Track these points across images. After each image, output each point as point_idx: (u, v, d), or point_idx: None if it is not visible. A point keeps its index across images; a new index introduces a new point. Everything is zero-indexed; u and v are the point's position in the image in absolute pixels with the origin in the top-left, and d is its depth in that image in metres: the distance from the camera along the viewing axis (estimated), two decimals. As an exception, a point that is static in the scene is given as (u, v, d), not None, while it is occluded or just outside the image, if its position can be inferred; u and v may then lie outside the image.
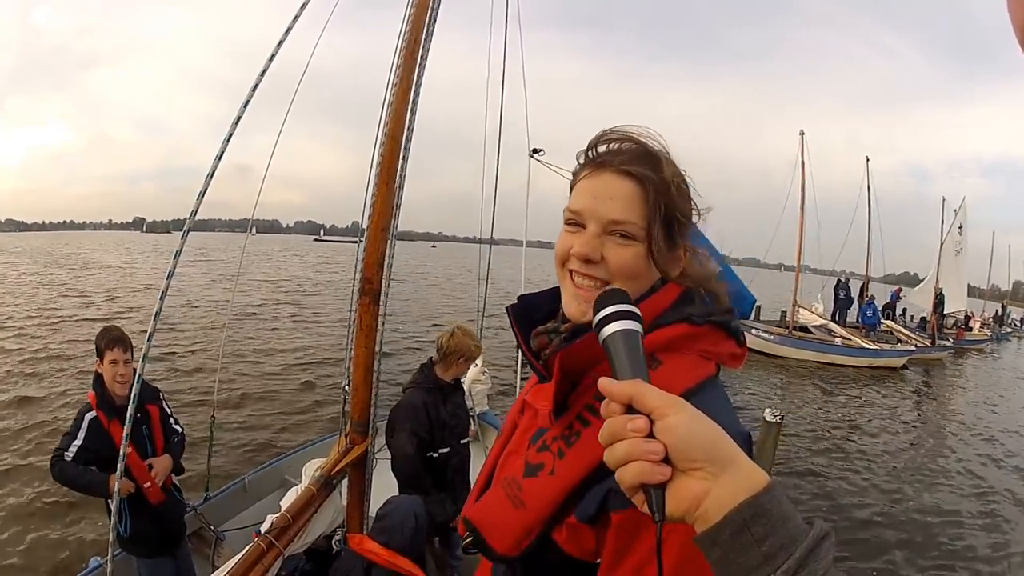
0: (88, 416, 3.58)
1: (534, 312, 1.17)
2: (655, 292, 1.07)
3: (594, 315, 0.87)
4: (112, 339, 3.58)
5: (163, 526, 3.79)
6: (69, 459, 3.48)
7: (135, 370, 3.00)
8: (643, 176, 1.03)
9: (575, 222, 1.07)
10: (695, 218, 1.12)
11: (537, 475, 1.01)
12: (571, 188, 1.12)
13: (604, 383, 0.76)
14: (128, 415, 2.63)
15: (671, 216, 1.05)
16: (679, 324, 1.03)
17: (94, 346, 3.67)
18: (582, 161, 1.11)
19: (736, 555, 0.66)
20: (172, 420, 4.01)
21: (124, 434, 2.64)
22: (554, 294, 1.17)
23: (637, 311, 0.86)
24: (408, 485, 3.70)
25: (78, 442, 3.51)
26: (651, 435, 0.71)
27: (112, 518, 2.90)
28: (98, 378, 3.63)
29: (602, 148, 1.08)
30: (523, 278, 4.74)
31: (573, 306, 1.06)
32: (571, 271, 1.07)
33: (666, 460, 0.70)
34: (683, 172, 1.08)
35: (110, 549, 2.77)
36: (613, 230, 1.03)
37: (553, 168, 4.61)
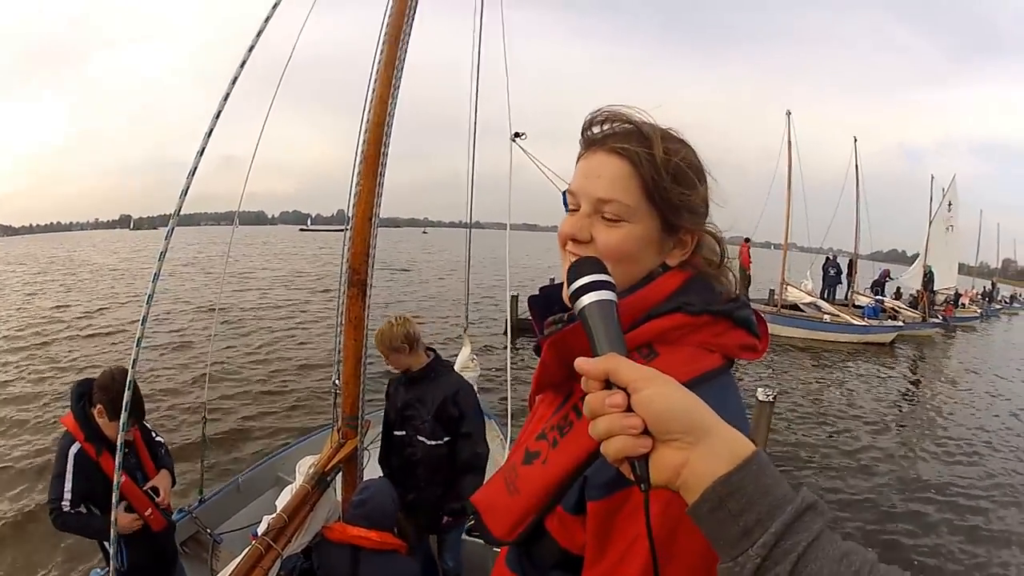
0: (73, 450, 3.29)
1: (553, 303, 1.13)
2: (653, 279, 1.04)
3: (567, 287, 0.89)
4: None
5: (158, 551, 3.62)
6: (67, 508, 3.23)
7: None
8: (632, 154, 1.00)
9: (573, 205, 1.05)
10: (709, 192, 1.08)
11: (532, 463, 1.02)
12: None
13: (579, 363, 0.77)
14: (117, 464, 2.51)
15: (664, 197, 1.01)
16: (673, 314, 0.99)
17: (102, 392, 3.29)
18: (581, 143, 1.09)
19: (716, 530, 0.67)
20: (153, 434, 3.79)
21: (116, 481, 2.52)
22: None
23: (610, 279, 0.86)
24: None
25: (69, 485, 3.24)
26: (631, 408, 0.72)
27: (112, 547, 2.71)
28: (84, 407, 3.34)
29: (595, 129, 1.06)
30: (507, 260, 4.70)
31: (564, 287, 1.03)
32: (569, 252, 1.04)
33: (647, 431, 0.71)
34: (692, 153, 1.06)
35: None
36: (602, 211, 1.01)
37: (531, 157, 4.54)
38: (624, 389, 0.72)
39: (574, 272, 0.87)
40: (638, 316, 1.00)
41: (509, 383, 4.67)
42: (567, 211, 1.08)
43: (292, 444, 5.76)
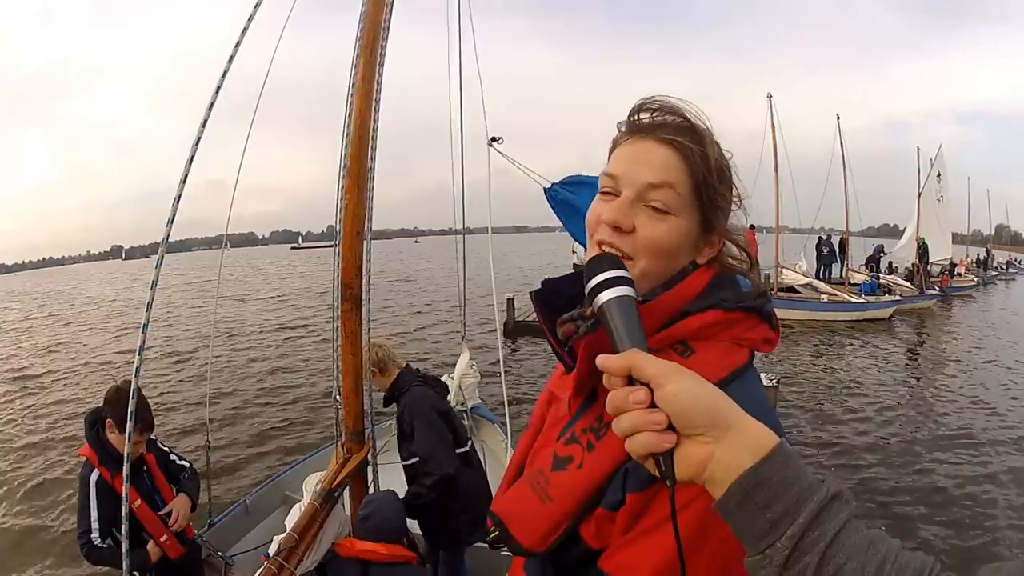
0: (93, 478, 3.32)
1: (557, 297, 1.11)
2: (685, 277, 1.02)
3: (585, 283, 0.87)
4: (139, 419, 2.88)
5: None
6: (97, 540, 3.25)
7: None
8: (686, 148, 0.98)
9: (609, 190, 1.02)
10: (734, 205, 1.08)
11: (566, 468, 0.98)
12: (609, 154, 1.07)
13: (601, 360, 0.78)
14: (124, 475, 2.48)
15: (711, 197, 1.01)
16: (711, 311, 0.98)
17: (109, 405, 3.35)
18: (623, 129, 1.07)
19: (744, 523, 0.68)
20: (175, 457, 3.81)
21: (124, 493, 2.50)
22: (577, 278, 1.10)
23: (628, 274, 0.87)
24: None
25: (95, 514, 3.26)
26: (654, 404, 0.73)
27: (125, 563, 2.66)
28: (97, 433, 3.39)
29: (644, 116, 1.04)
30: (491, 263, 4.72)
31: None
32: (599, 242, 1.01)
33: (671, 426, 0.72)
34: (728, 155, 1.05)
35: None
36: (649, 200, 0.98)
37: (510, 159, 4.54)
38: (647, 385, 0.73)
39: (591, 269, 0.87)
40: (673, 313, 0.99)
41: (504, 391, 4.68)
42: (597, 195, 1.06)
43: (298, 462, 5.76)
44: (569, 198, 3.96)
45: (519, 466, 1.18)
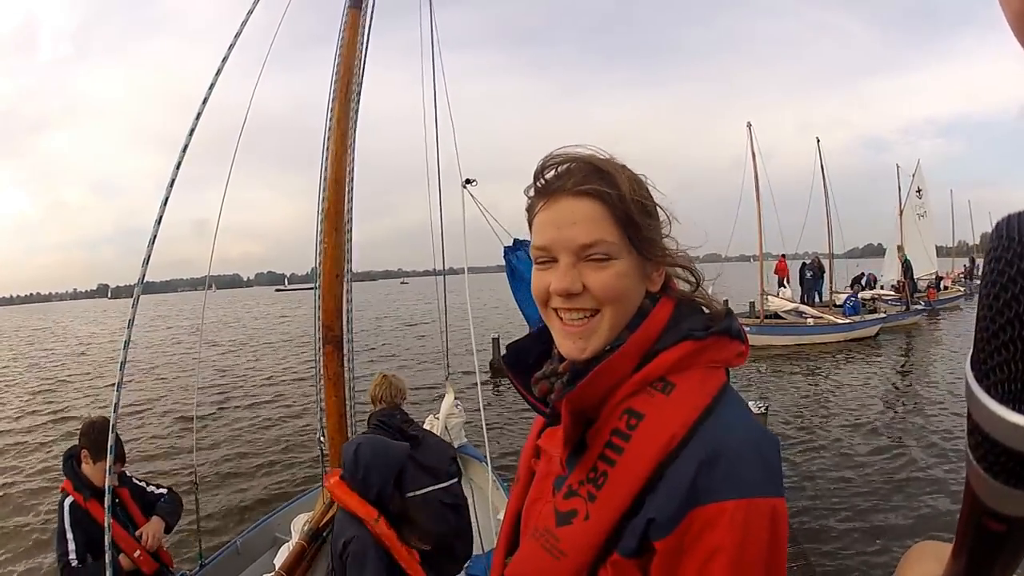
0: (67, 503, 3.44)
1: (526, 357, 1.15)
2: (647, 312, 1.04)
3: None
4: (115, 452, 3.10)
5: None
6: (75, 562, 3.35)
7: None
8: (601, 193, 0.99)
9: (545, 259, 1.04)
10: (665, 225, 1.09)
11: (572, 522, 0.98)
12: (529, 224, 1.09)
13: None
14: (106, 505, 2.51)
15: (640, 229, 1.02)
16: (683, 343, 1.00)
17: (84, 437, 3.52)
18: (532, 194, 1.07)
19: None
20: (152, 489, 3.86)
21: (106, 522, 2.53)
22: (541, 335, 1.15)
23: None
24: None
25: (70, 535, 3.37)
26: None
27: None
28: (73, 464, 3.52)
29: (549, 175, 1.04)
30: (469, 305, 4.72)
31: (567, 344, 1.03)
32: (555, 309, 1.04)
33: None
34: (643, 177, 1.06)
35: None
36: (587, 255, 0.99)
37: (480, 206, 4.51)
38: None
39: None
40: (645, 351, 1.00)
41: (484, 424, 4.70)
42: (530, 264, 1.07)
43: (286, 504, 5.73)
44: (520, 267, 3.81)
45: (514, 518, 1.19)
